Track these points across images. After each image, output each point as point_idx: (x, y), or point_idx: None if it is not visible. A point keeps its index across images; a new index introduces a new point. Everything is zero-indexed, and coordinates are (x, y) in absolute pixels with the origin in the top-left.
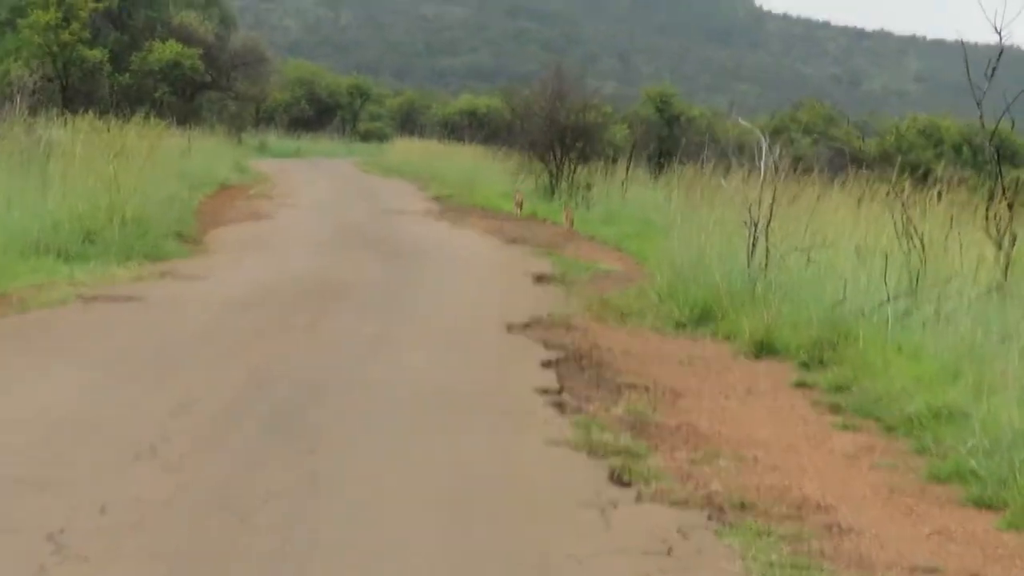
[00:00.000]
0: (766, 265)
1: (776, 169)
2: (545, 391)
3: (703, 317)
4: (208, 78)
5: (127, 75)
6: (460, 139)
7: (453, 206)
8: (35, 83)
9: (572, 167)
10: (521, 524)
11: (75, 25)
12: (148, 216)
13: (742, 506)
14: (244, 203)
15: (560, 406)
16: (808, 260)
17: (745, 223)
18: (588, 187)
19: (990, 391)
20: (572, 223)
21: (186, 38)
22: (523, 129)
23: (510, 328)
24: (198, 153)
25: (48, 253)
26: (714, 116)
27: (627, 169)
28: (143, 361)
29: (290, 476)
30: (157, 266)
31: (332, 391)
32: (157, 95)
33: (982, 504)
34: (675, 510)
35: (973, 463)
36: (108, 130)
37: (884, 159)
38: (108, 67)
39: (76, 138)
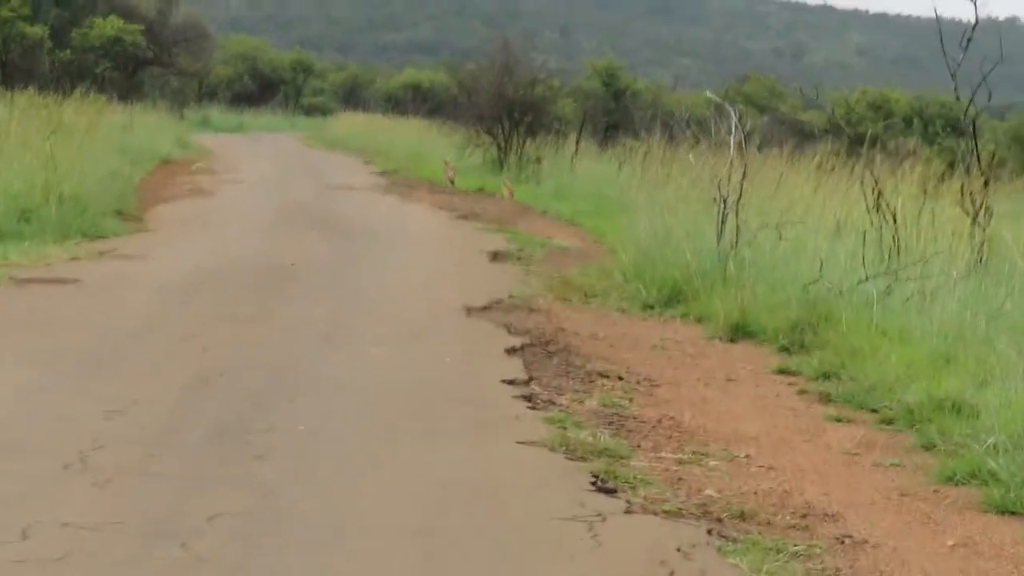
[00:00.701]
0: (736, 243)
1: (745, 143)
2: (512, 382)
3: (672, 298)
4: (150, 54)
5: (68, 51)
6: (404, 113)
7: (400, 180)
8: None
9: (521, 141)
10: (501, 546)
11: (14, 1)
12: (86, 193)
13: (742, 515)
14: (186, 179)
15: (530, 399)
16: (780, 237)
17: (714, 199)
18: (538, 161)
19: (991, 379)
20: (512, 195)
21: (127, 14)
22: (471, 103)
23: (469, 312)
24: (140, 128)
25: None
26: (659, 90)
27: (577, 143)
28: (77, 354)
29: (239, 493)
30: (95, 245)
31: (283, 390)
32: (99, 71)
33: (1005, 510)
34: (670, 522)
35: (992, 463)
36: (47, 107)
37: (833, 131)
38: (49, 43)
39: (13, 115)
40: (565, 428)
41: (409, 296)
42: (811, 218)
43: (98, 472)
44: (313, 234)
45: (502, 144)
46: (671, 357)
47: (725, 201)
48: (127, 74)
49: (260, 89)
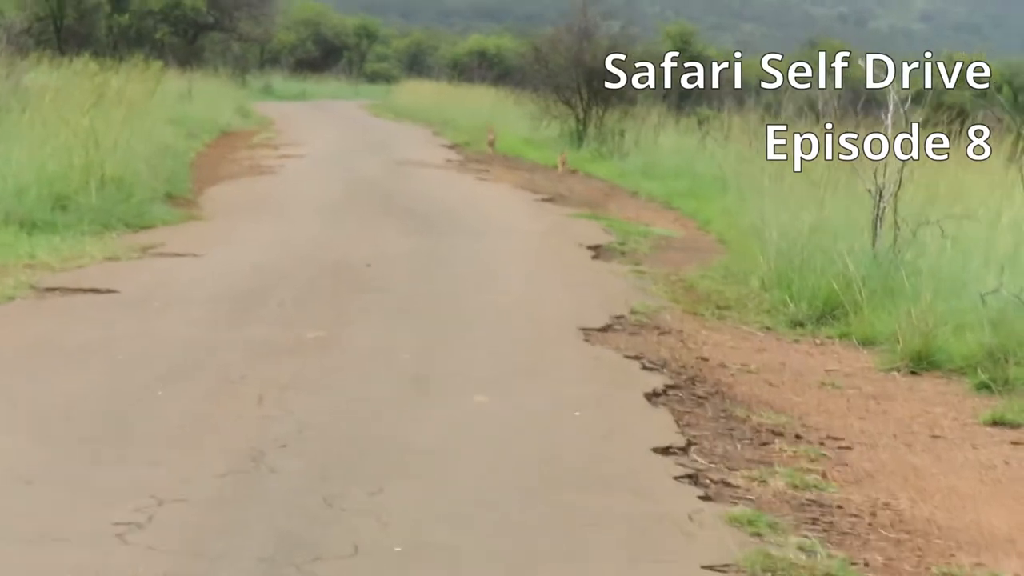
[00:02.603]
0: (894, 243)
1: (907, 122)
2: (667, 450)
3: (825, 313)
4: (210, 18)
5: (126, 16)
6: (470, 80)
7: (473, 155)
8: (25, 23)
9: (600, 112)
10: None
11: None
12: (133, 175)
13: None
14: (246, 153)
15: (696, 479)
16: (942, 235)
17: (868, 191)
18: (621, 134)
19: None
20: (565, 164)
21: None
22: (547, 71)
23: (587, 335)
24: (199, 97)
25: (9, 224)
26: (727, 56)
27: (659, 114)
28: (92, 412)
29: None
30: (140, 237)
31: (365, 473)
32: (158, 36)
33: None
34: None
35: None
36: (96, 74)
37: (915, 100)
38: (107, 7)
39: (56, 83)
40: (760, 535)
41: (509, 310)
42: (965, 207)
43: None
44: (386, 222)
45: (580, 115)
46: (849, 400)
47: (881, 193)
48: (187, 40)
49: (323, 55)
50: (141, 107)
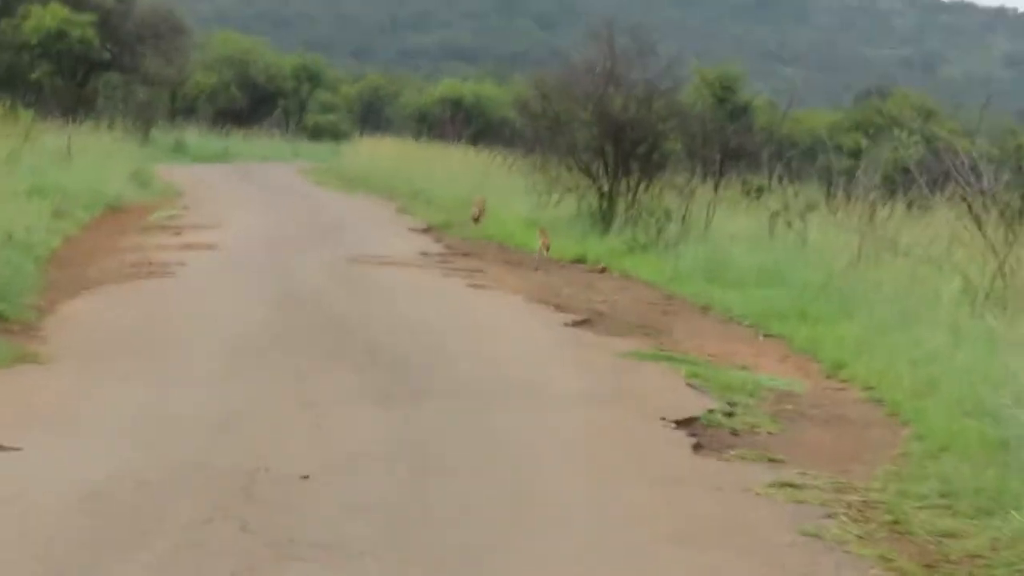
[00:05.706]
0: None
1: None
2: None
3: None
4: (106, 54)
5: None
6: (442, 137)
7: (457, 243)
8: None
9: (633, 184)
10: None
11: None
12: None
13: None
14: (135, 240)
15: None
16: None
17: None
18: (667, 215)
19: None
20: (548, 249)
21: (75, 2)
22: (558, 126)
23: None
24: (83, 157)
25: None
26: (770, 108)
27: (716, 187)
28: None
29: None
30: None
31: None
32: (35, 76)
33: None
34: None
35: None
36: None
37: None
38: None
39: None
40: None
41: None
42: None
43: None
44: (336, 375)
45: (605, 188)
46: None
47: None
48: (75, 81)
49: (252, 104)
50: None
